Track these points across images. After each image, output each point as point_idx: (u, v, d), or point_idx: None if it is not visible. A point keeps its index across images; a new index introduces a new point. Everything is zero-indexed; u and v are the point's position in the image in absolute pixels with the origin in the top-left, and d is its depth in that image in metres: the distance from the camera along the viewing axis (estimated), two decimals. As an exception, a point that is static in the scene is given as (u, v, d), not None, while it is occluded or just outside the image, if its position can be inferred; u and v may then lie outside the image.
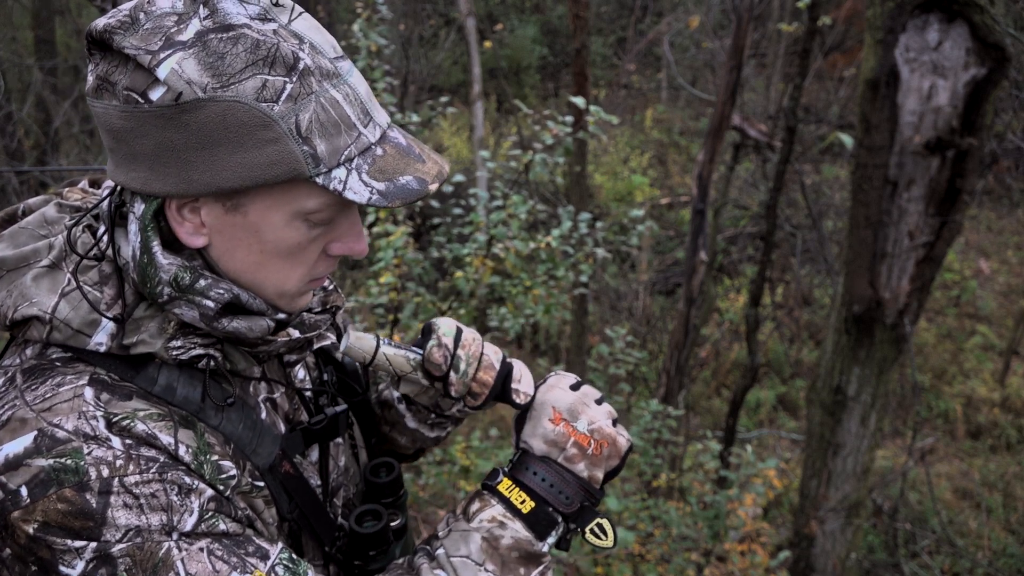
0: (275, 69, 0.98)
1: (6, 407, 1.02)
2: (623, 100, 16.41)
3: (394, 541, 1.33)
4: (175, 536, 1.01)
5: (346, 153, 1.02)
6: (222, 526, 1.04)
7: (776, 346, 10.53)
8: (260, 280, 1.11)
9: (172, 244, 1.08)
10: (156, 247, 1.05)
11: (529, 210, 4.79)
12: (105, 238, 1.10)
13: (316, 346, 1.32)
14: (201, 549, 1.02)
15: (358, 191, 1.02)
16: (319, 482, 1.28)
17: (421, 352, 1.34)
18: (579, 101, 4.60)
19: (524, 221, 4.83)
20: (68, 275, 1.08)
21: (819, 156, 12.58)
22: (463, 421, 1.55)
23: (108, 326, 1.06)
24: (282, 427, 1.23)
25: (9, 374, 1.06)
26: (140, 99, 0.97)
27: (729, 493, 5.88)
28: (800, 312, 10.94)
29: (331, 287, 1.32)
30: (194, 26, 0.98)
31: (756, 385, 9.29)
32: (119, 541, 0.98)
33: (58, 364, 1.05)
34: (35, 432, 0.99)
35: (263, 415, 1.20)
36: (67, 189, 1.22)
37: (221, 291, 1.08)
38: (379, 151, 1.05)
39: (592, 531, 1.27)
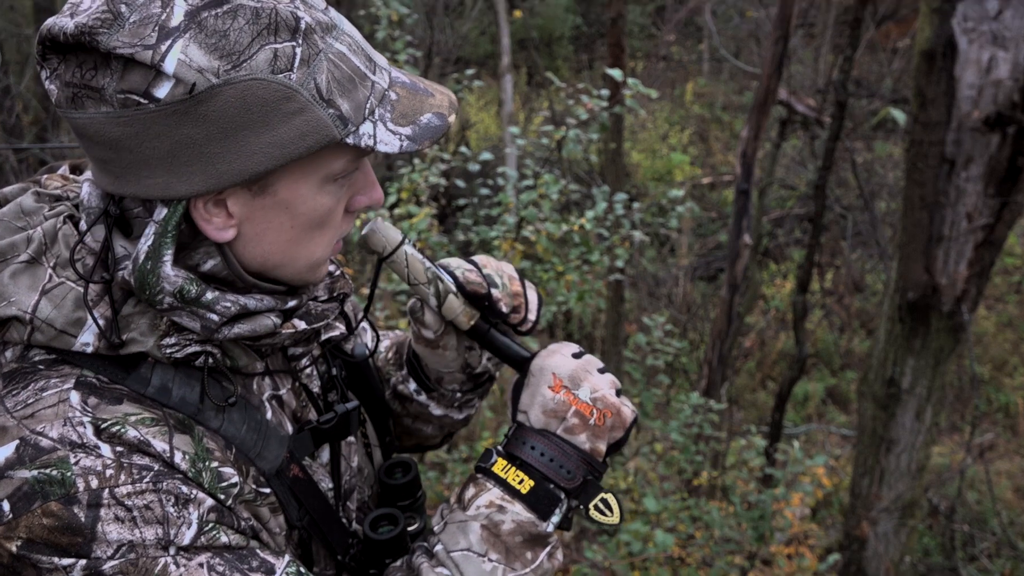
0: (280, 35, 0.96)
1: None
2: (662, 73, 16.32)
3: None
4: (172, 551, 0.98)
5: (368, 106, 1.02)
6: (223, 539, 1.02)
7: (825, 335, 10.46)
8: (292, 256, 1.10)
9: (187, 245, 1.06)
10: (168, 257, 1.01)
11: (561, 190, 4.77)
12: (101, 248, 1.05)
13: (323, 337, 1.29)
14: (200, 565, 1.00)
15: (388, 142, 1.03)
16: (331, 485, 1.26)
17: (451, 279, 1.31)
18: (615, 73, 4.58)
19: (556, 202, 4.81)
20: (49, 270, 1.04)
21: (871, 132, 12.46)
22: (491, 387, 1.51)
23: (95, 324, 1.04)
24: (289, 427, 1.20)
25: None
26: (143, 99, 0.94)
27: (775, 492, 5.84)
28: (851, 299, 10.85)
29: (337, 272, 1.29)
30: (180, 6, 0.94)
31: (804, 377, 9.23)
32: (111, 558, 0.96)
33: (41, 367, 1.03)
34: (17, 441, 0.97)
35: (268, 415, 1.18)
36: (46, 176, 1.18)
37: (227, 304, 1.05)
38: (393, 95, 1.06)
39: (596, 507, 1.24)
